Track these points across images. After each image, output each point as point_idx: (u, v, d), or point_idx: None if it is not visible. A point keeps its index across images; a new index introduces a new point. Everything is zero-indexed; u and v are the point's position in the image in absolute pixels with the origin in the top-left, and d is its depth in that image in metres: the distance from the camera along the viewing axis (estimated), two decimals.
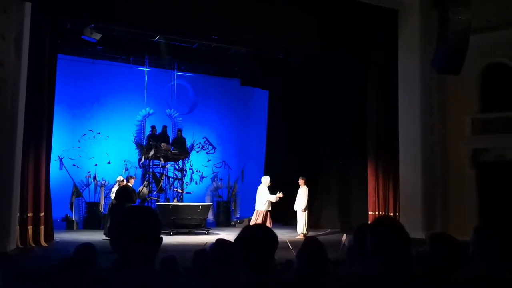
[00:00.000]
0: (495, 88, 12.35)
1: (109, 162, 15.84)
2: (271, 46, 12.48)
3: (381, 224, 2.47)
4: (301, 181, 12.55)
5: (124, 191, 11.28)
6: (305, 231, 12.29)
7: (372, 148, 12.87)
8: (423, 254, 3.19)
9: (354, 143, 14.18)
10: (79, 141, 15.70)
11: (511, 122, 11.84)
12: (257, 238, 2.34)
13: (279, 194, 12.19)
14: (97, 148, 15.89)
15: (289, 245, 7.97)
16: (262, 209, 12.27)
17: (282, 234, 11.87)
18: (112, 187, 14.13)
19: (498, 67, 12.26)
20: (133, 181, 11.96)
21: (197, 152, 16.78)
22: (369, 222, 9.62)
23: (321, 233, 13.02)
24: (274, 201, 12.29)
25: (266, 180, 12.55)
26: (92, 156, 15.66)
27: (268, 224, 11.99)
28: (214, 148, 17.87)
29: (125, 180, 11.89)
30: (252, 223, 12.06)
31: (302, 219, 12.40)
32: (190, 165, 16.66)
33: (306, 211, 12.45)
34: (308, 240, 3.24)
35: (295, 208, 12.55)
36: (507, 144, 11.83)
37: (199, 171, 17.33)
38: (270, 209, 12.34)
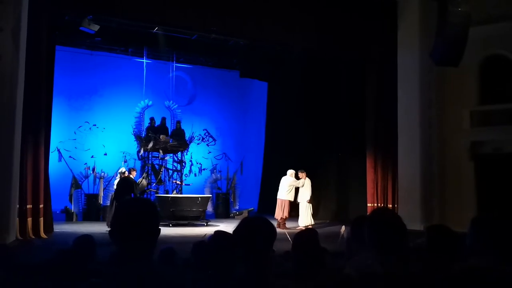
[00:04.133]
0: (494, 80, 12.33)
1: (105, 154, 15.85)
2: (270, 40, 12.46)
3: (378, 216, 2.48)
4: (301, 174, 12.62)
5: (124, 183, 11.29)
6: (313, 222, 12.46)
7: (371, 140, 12.88)
8: (421, 246, 3.21)
9: (353, 135, 14.18)
10: (75, 132, 15.69)
11: (510, 114, 11.83)
12: (256, 230, 2.35)
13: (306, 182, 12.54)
14: (93, 140, 15.90)
15: (288, 236, 7.99)
16: (284, 198, 12.50)
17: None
18: (112, 179, 14.17)
19: (498, 59, 12.22)
20: (135, 173, 11.95)
21: (198, 144, 16.79)
22: (367, 214, 9.65)
23: (320, 224, 13.08)
24: (301, 186, 12.53)
25: (291, 172, 12.75)
26: (88, 148, 15.68)
27: (285, 213, 12.35)
28: (214, 140, 17.88)
29: (126, 172, 11.90)
30: (277, 211, 12.45)
31: (307, 211, 12.48)
32: (190, 157, 16.68)
33: (307, 203, 12.52)
34: (303, 231, 3.26)
35: (298, 200, 12.64)
36: (506, 137, 11.83)
37: (199, 163, 17.36)
38: (292, 199, 12.56)
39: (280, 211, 12.44)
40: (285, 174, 12.87)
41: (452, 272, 2.44)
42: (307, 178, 12.60)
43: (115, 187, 11.90)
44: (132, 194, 11.11)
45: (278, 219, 12.30)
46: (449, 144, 12.46)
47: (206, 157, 17.61)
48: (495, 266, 2.33)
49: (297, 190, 12.71)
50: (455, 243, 3.04)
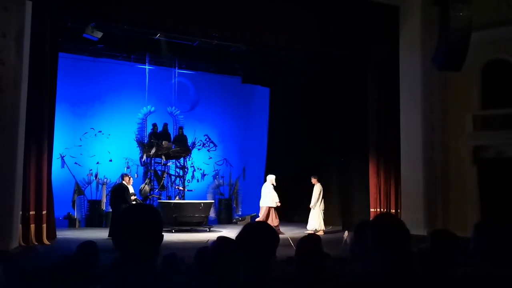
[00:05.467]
0: (496, 84, 12.33)
1: (110, 160, 15.87)
2: (272, 44, 12.47)
3: (381, 221, 2.47)
4: (313, 180, 12.65)
5: (115, 190, 11.21)
6: (318, 228, 12.41)
7: (373, 145, 12.87)
8: (424, 251, 3.21)
9: (355, 140, 14.17)
10: (80, 139, 15.73)
11: None
12: (259, 236, 2.35)
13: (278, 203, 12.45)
14: (99, 146, 15.92)
15: (291, 242, 7.98)
16: (266, 205, 12.41)
17: (285, 231, 11.93)
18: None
19: (500, 63, 12.23)
20: (128, 178, 11.55)
21: (198, 149, 16.80)
22: (370, 219, 9.63)
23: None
24: (275, 205, 12.42)
25: (271, 178, 12.71)
26: (93, 154, 15.70)
27: (274, 220, 12.22)
28: (215, 145, 17.88)
29: (131, 179, 11.87)
30: (261, 219, 12.21)
31: (313, 216, 12.48)
32: (192, 163, 16.69)
33: (317, 209, 12.46)
34: (306, 237, 3.26)
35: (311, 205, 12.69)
36: (508, 141, 11.81)
37: (200, 169, 17.36)
38: (274, 205, 12.43)
39: (262, 217, 12.26)
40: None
41: (455, 277, 2.44)
42: (317, 183, 12.60)
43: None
44: (125, 200, 10.87)
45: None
46: (452, 149, 12.45)
47: (207, 163, 17.61)
48: (497, 271, 2.33)
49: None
50: (458, 248, 3.03)
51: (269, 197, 12.40)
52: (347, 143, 14.63)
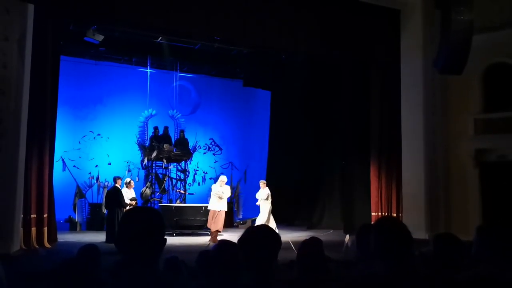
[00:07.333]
0: (498, 88, 12.31)
1: (109, 164, 15.87)
2: (273, 46, 12.46)
3: (383, 224, 2.47)
4: (262, 184, 12.38)
5: (110, 193, 11.18)
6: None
7: (374, 148, 12.85)
8: (427, 255, 3.20)
9: (356, 143, 14.14)
10: (79, 142, 15.73)
11: None
12: (261, 239, 2.34)
13: None
14: (98, 149, 15.93)
15: (292, 245, 7.96)
16: (210, 208, 11.45)
17: (285, 235, 11.91)
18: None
19: (501, 67, 12.22)
20: (120, 181, 11.36)
21: (204, 153, 16.82)
22: (371, 222, 9.62)
23: (324, 233, 13.02)
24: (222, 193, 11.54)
25: (220, 179, 11.83)
26: (92, 158, 15.70)
27: (216, 224, 11.27)
28: (220, 149, 17.89)
29: (132, 182, 11.85)
30: (208, 221, 11.43)
31: (261, 214, 12.29)
32: (197, 166, 16.70)
33: (264, 209, 12.22)
34: (307, 240, 3.25)
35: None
36: (510, 144, 11.79)
37: (206, 172, 17.37)
38: (219, 209, 11.34)
39: (210, 222, 11.31)
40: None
41: (458, 281, 2.43)
42: (266, 187, 12.27)
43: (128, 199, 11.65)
44: (119, 203, 10.79)
45: (212, 230, 11.30)
46: (454, 152, 12.43)
47: (212, 166, 17.61)
48: (500, 274, 2.32)
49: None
50: (461, 251, 3.02)
51: (213, 199, 11.43)
52: (349, 146, 14.60)
